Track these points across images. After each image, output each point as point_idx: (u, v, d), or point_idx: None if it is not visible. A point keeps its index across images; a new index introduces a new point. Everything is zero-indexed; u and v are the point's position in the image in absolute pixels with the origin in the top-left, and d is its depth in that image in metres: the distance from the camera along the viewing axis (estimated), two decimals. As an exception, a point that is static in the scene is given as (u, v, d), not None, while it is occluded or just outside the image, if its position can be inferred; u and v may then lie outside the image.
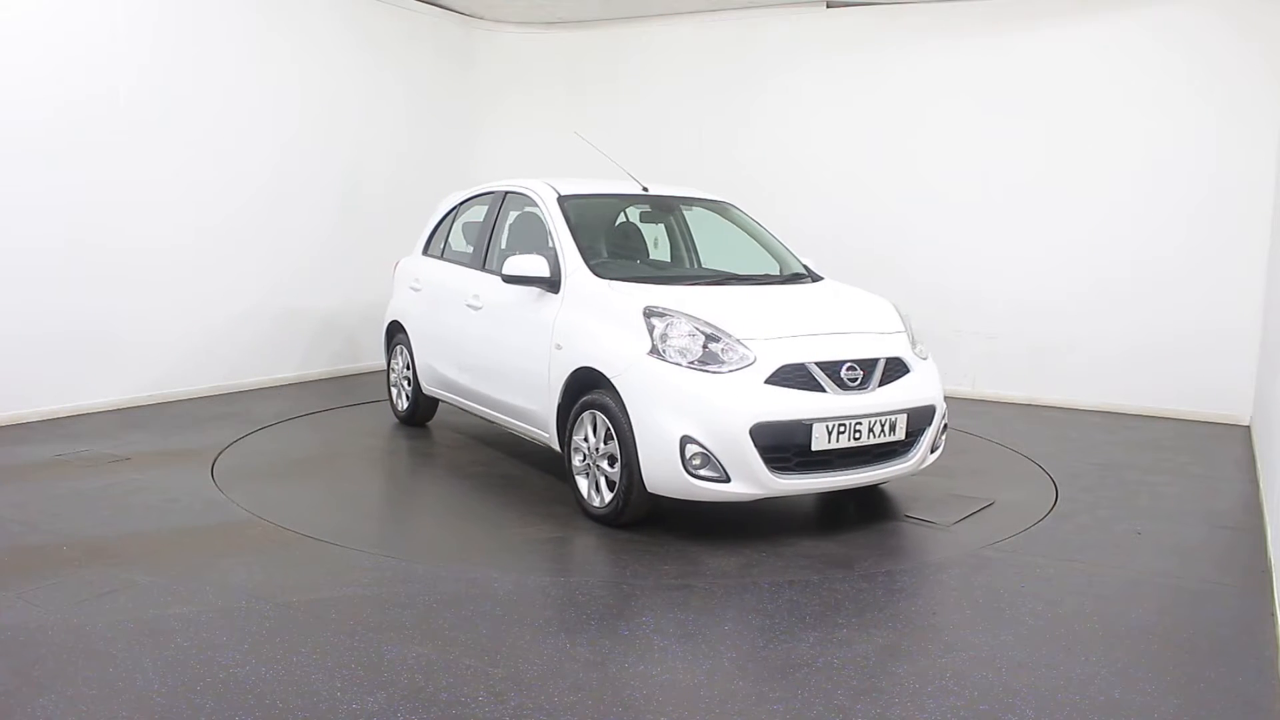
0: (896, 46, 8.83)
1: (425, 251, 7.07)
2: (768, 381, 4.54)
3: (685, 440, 4.48)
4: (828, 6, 9.07)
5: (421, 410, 7.01)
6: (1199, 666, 3.47)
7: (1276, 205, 7.20)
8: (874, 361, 4.82)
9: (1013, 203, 8.47)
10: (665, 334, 4.67)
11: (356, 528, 4.87)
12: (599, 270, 5.35)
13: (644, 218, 6.43)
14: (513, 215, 6.22)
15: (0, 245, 6.50)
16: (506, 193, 6.28)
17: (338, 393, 8.22)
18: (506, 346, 5.72)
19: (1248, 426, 7.62)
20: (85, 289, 6.97)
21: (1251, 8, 7.55)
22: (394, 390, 7.27)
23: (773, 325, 4.83)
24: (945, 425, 5.28)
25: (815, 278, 5.84)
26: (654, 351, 4.65)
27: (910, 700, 3.16)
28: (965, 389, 8.73)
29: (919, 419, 4.93)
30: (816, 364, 4.64)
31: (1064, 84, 8.21)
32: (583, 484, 5.01)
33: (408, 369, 6.97)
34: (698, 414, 4.48)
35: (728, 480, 4.50)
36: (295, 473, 5.86)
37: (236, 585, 3.98)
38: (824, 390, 4.62)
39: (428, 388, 6.76)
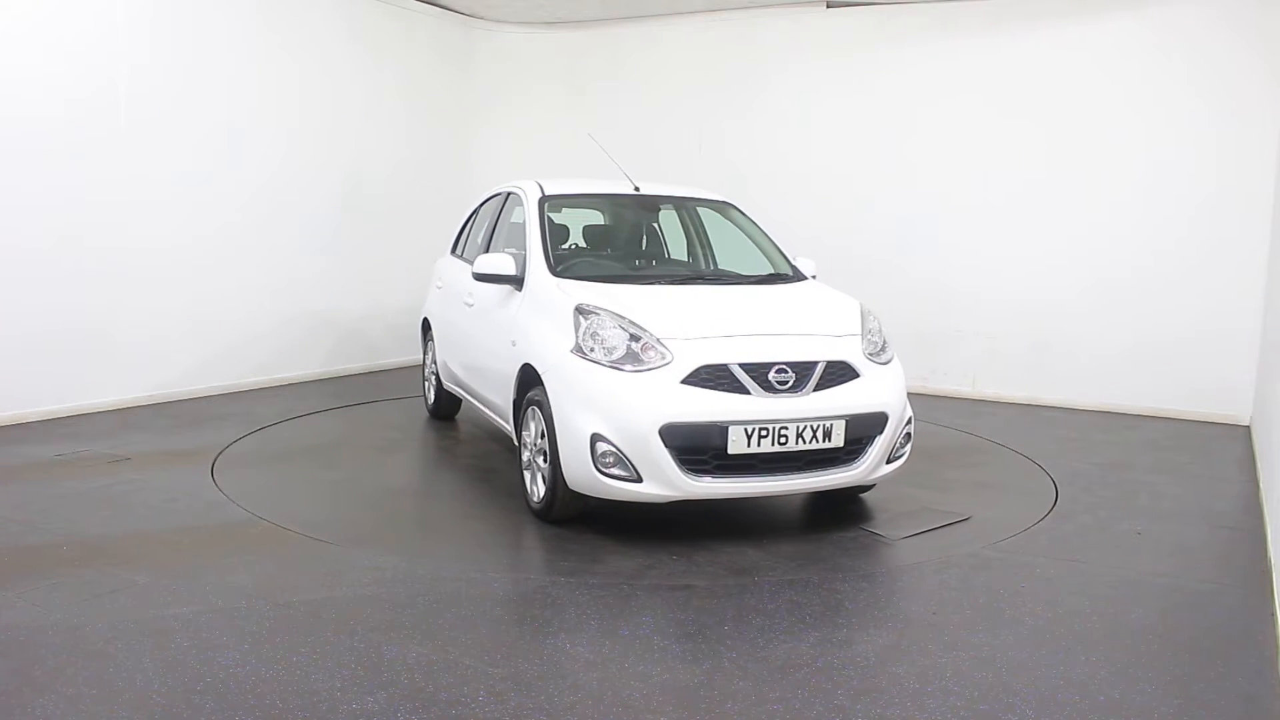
0: (897, 46, 8.83)
1: (452, 251, 7.22)
2: (684, 381, 4.47)
3: (595, 438, 4.47)
4: (828, 6, 9.06)
5: (444, 405, 7.17)
6: (1199, 666, 3.47)
7: (1276, 205, 7.20)
8: (811, 365, 4.63)
9: (1013, 202, 8.47)
10: (590, 332, 4.67)
11: (357, 527, 4.87)
12: (563, 269, 5.41)
13: (628, 217, 6.52)
14: (515, 214, 6.28)
15: (1, 243, 6.50)
16: (509, 193, 6.37)
17: (340, 392, 8.22)
18: (483, 343, 5.86)
19: (1248, 426, 7.62)
20: (86, 288, 6.97)
21: (1251, 8, 7.54)
22: (425, 384, 7.51)
23: (705, 325, 4.74)
24: (908, 435, 5.06)
25: (798, 278, 5.76)
26: (577, 349, 4.67)
27: (910, 700, 3.16)
28: (966, 389, 8.73)
29: (864, 426, 4.70)
30: (741, 365, 4.52)
31: (1064, 84, 8.21)
32: (528, 478, 5.08)
33: (433, 364, 7.17)
34: (608, 412, 4.46)
35: (639, 480, 4.45)
36: (296, 472, 5.86)
37: (236, 585, 3.98)
38: (748, 392, 4.49)
39: (445, 383, 6.94)
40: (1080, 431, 7.42)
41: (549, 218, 6.00)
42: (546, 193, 5.94)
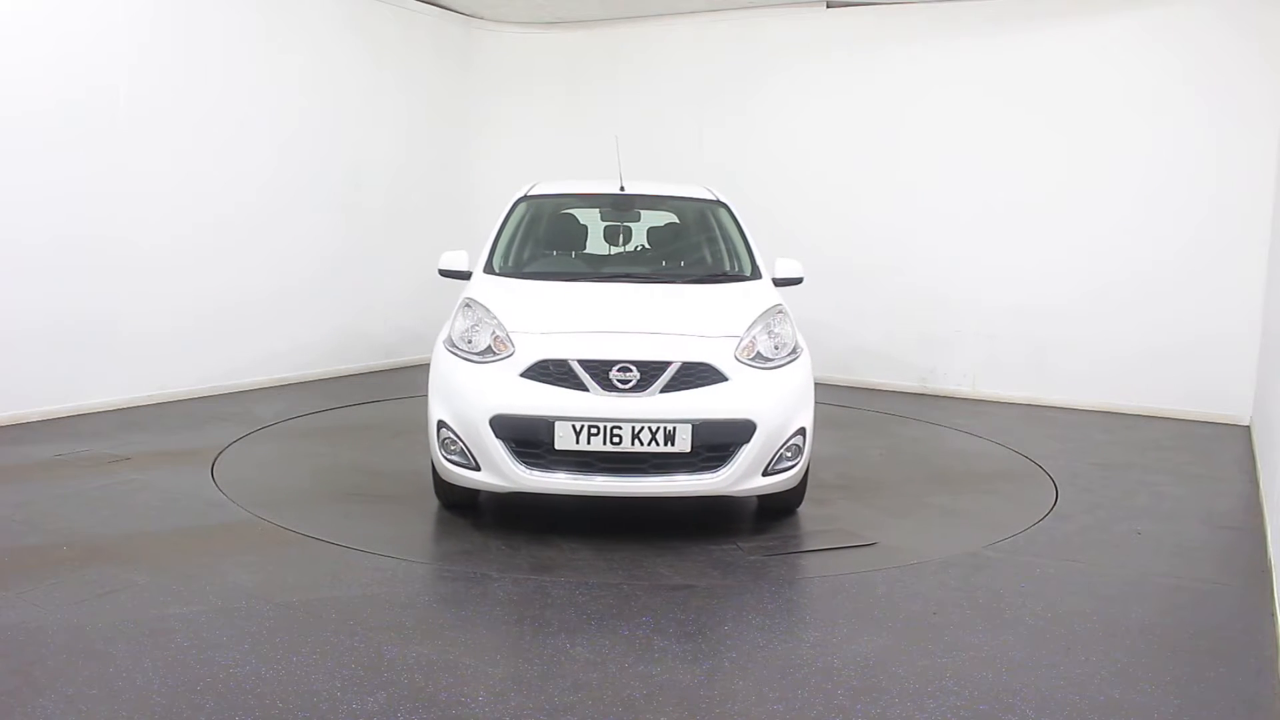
0: (897, 47, 8.83)
1: None
2: (524, 374, 4.52)
3: (440, 425, 4.68)
4: (828, 6, 9.07)
5: None
6: (1199, 666, 3.48)
7: (1277, 206, 7.20)
8: (663, 365, 4.46)
9: (1014, 204, 8.47)
10: (460, 324, 4.82)
11: (357, 526, 4.86)
12: (500, 266, 5.53)
13: (609, 216, 6.58)
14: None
15: (1, 242, 6.50)
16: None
17: (339, 392, 8.22)
18: None
19: (1248, 426, 7.62)
20: (86, 287, 6.96)
21: (1251, 8, 7.55)
22: None
23: (564, 321, 4.76)
24: (797, 447, 4.68)
25: (754, 277, 5.50)
26: (447, 339, 4.84)
27: (910, 700, 3.16)
28: (966, 389, 8.73)
29: (721, 433, 4.46)
30: (581, 361, 4.47)
31: (1065, 85, 8.21)
32: None
33: None
34: (451, 401, 4.65)
35: (478, 469, 4.59)
36: (296, 473, 5.86)
37: (236, 585, 3.98)
38: (586, 389, 4.44)
39: None
40: (1080, 432, 7.42)
41: (567, 215, 6.09)
42: (529, 193, 6.06)
